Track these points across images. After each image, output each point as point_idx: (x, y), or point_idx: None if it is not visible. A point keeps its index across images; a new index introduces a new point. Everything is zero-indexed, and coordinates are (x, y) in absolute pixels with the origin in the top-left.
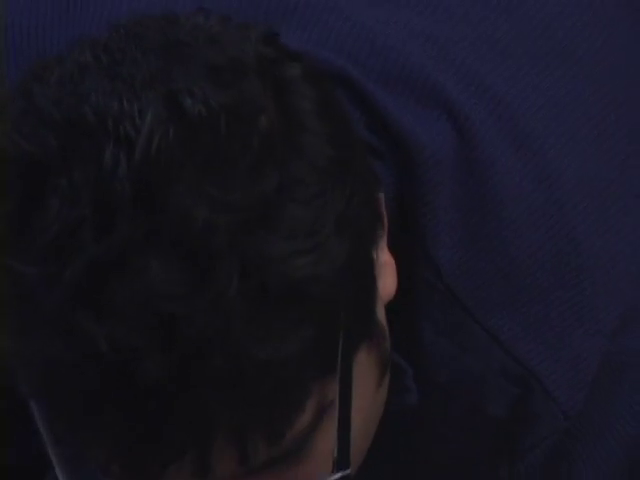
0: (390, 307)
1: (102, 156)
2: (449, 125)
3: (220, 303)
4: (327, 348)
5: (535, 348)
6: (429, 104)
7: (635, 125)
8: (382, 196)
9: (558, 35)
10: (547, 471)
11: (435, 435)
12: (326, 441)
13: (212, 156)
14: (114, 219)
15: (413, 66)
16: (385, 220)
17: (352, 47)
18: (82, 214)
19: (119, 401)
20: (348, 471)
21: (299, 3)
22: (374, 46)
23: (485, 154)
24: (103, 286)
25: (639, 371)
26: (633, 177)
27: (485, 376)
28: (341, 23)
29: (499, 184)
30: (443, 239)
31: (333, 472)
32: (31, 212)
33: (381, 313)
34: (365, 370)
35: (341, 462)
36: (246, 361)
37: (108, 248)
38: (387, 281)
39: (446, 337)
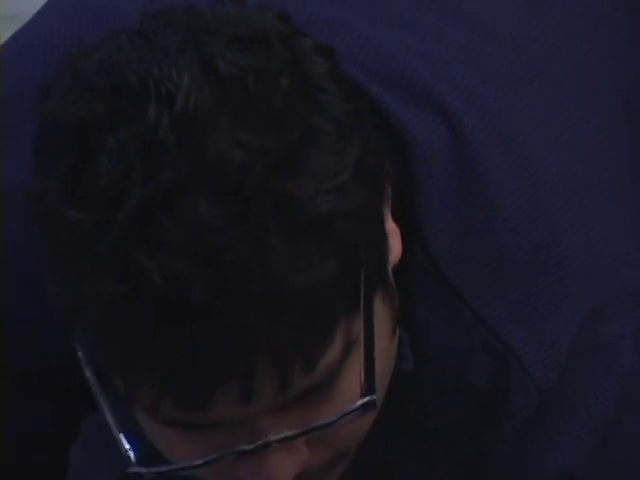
0: None
1: (146, 113)
2: (444, 126)
3: (256, 234)
4: (351, 282)
5: (515, 328)
6: (426, 107)
7: (613, 129)
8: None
9: (538, 56)
10: (525, 443)
11: (426, 404)
12: (352, 379)
13: (242, 110)
14: (160, 165)
15: (412, 73)
16: (390, 185)
17: (358, 54)
18: (130, 164)
19: (170, 328)
20: (374, 396)
21: (309, 19)
22: (378, 54)
23: (476, 152)
24: (152, 223)
25: (611, 355)
26: (608, 180)
27: (469, 351)
28: (348, 34)
29: (489, 180)
30: (435, 227)
31: (362, 396)
32: (82, 169)
33: (390, 272)
34: (381, 317)
35: (368, 388)
36: (281, 286)
37: (155, 189)
38: (394, 244)
39: (437, 315)
